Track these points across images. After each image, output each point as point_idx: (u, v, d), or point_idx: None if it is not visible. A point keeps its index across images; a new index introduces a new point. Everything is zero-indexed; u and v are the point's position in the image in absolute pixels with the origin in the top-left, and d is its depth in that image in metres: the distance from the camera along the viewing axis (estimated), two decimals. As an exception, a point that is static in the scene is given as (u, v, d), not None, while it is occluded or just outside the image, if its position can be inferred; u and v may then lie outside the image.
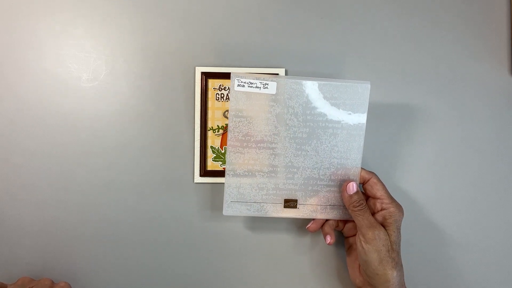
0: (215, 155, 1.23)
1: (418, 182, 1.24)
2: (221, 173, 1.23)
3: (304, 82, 1.06)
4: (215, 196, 1.22)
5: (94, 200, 1.20)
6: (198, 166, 1.22)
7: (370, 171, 1.10)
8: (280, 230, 1.23)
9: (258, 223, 1.22)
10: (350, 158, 1.08)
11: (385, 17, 1.24)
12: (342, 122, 1.07)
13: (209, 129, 1.24)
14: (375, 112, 1.23)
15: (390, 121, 1.24)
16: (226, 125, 1.24)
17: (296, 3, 1.23)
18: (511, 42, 1.26)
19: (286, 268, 1.23)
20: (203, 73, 1.22)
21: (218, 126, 1.24)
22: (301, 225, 1.22)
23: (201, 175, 1.22)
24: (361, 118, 1.08)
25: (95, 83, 1.19)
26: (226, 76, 1.23)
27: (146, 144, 1.21)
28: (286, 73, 1.22)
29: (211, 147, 1.23)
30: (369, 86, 1.07)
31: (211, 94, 1.23)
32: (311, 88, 1.06)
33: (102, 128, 1.20)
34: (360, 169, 1.09)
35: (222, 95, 1.24)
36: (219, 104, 1.24)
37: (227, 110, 1.24)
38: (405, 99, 1.24)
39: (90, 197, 1.20)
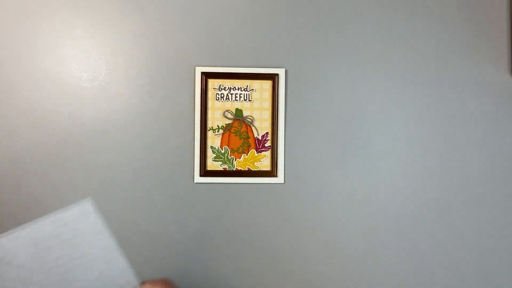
0: (215, 155, 1.24)
1: (418, 182, 1.25)
2: (221, 173, 1.23)
3: (21, 234, 0.89)
4: (215, 196, 1.22)
5: (94, 199, 1.20)
6: (198, 166, 1.22)
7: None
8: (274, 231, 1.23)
9: (258, 222, 1.23)
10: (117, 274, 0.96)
11: (385, 17, 1.24)
12: (82, 253, 0.93)
13: (209, 129, 1.24)
14: (375, 112, 1.24)
15: (390, 121, 1.24)
16: (226, 125, 1.24)
17: (296, 4, 1.23)
18: (511, 42, 1.26)
19: (286, 267, 1.23)
20: (203, 73, 1.22)
21: (218, 126, 1.24)
22: None
23: (201, 175, 1.22)
24: (102, 239, 0.94)
25: (95, 83, 1.19)
26: (226, 76, 1.22)
27: (146, 144, 1.21)
28: (286, 73, 1.23)
29: (211, 147, 1.23)
30: (89, 203, 0.95)
31: (211, 94, 1.23)
32: (32, 237, 0.90)
33: (102, 128, 1.20)
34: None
35: (222, 95, 1.24)
36: (219, 104, 1.24)
37: (227, 110, 1.25)
38: (405, 99, 1.24)
39: (88, 196, 1.19)
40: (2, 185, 1.18)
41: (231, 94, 1.23)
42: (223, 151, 1.23)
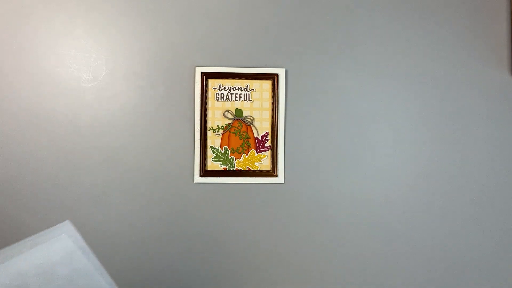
0: (215, 155, 1.24)
1: (418, 181, 1.25)
2: (221, 173, 1.23)
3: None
4: (215, 196, 1.22)
5: (94, 199, 1.20)
6: (198, 166, 1.22)
7: None
8: (273, 231, 1.23)
9: (258, 222, 1.22)
10: None
11: (385, 18, 1.25)
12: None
13: (209, 129, 1.24)
14: (375, 112, 1.24)
15: (390, 121, 1.24)
16: (226, 125, 1.24)
17: (296, 4, 1.23)
18: (511, 42, 1.26)
19: (286, 267, 1.23)
20: (203, 73, 1.22)
21: (218, 126, 1.24)
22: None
23: (201, 175, 1.22)
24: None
25: (95, 83, 1.19)
26: (226, 76, 1.23)
27: (146, 144, 1.21)
28: (286, 73, 1.23)
29: (211, 147, 1.24)
30: (68, 236, 0.86)
31: (211, 94, 1.23)
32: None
33: (102, 128, 1.20)
34: None
35: (222, 95, 1.24)
36: (219, 104, 1.24)
37: (227, 110, 1.25)
38: (404, 99, 1.24)
39: (89, 196, 1.20)
40: (2, 185, 1.18)
41: (231, 94, 1.23)
42: (223, 151, 1.23)
